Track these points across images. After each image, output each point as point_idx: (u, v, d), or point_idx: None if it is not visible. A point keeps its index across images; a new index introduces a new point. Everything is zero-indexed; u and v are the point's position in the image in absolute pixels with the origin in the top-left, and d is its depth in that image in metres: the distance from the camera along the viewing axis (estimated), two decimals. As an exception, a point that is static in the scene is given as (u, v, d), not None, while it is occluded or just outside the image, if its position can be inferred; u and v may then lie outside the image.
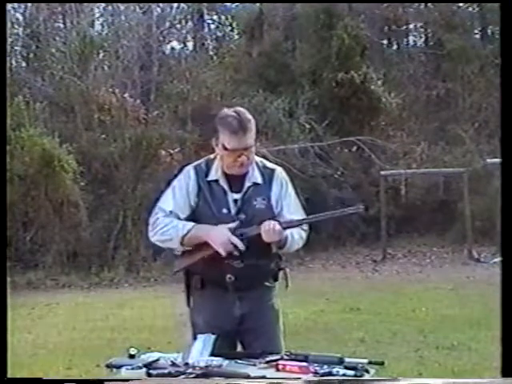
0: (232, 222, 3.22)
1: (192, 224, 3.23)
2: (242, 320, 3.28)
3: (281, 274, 3.38)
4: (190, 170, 3.34)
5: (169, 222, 3.24)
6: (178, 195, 3.30)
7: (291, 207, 3.33)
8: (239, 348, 3.35)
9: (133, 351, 3.07)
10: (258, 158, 3.40)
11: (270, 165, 3.42)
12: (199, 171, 3.32)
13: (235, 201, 3.27)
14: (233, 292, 3.24)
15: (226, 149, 3.22)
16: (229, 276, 3.23)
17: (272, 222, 3.16)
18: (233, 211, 3.25)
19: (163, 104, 14.93)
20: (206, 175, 3.30)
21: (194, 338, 3.13)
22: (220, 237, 3.17)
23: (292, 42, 17.39)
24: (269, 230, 3.14)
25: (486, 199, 14.22)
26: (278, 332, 3.37)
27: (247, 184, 3.29)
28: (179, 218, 3.26)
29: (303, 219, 3.30)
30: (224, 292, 3.25)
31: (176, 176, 3.39)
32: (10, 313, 3.77)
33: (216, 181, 3.29)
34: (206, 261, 3.24)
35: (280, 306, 3.41)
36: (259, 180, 3.32)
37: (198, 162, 3.38)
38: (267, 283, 3.33)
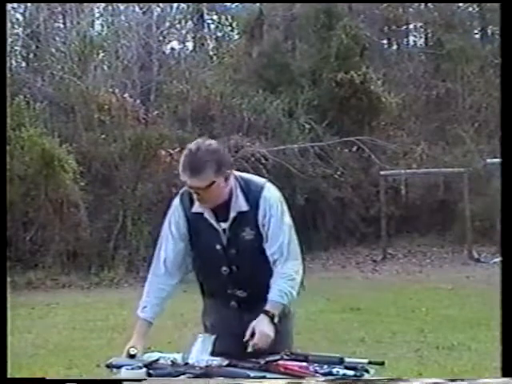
0: (225, 258, 3.15)
1: (138, 316, 3.27)
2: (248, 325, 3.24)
3: None
4: (177, 204, 3.23)
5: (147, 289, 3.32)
6: (170, 243, 3.23)
7: (269, 236, 3.11)
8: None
9: (133, 351, 3.07)
10: (244, 176, 3.20)
11: (256, 183, 3.17)
12: (184, 202, 3.20)
13: (224, 230, 3.14)
14: (239, 312, 3.20)
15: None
16: (232, 303, 3.23)
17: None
18: (225, 244, 3.15)
19: (163, 104, 14.92)
20: (191, 204, 3.17)
21: None
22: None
23: (292, 42, 17.38)
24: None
25: (486, 199, 14.22)
26: (287, 335, 3.29)
27: (232, 214, 3.11)
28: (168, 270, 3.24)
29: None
30: (230, 312, 3.24)
31: (169, 205, 3.30)
32: (10, 313, 3.77)
33: (201, 214, 3.15)
34: (208, 288, 3.30)
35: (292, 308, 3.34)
36: (244, 207, 3.11)
37: (183, 189, 3.19)
38: None
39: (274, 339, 3.04)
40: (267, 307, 3.04)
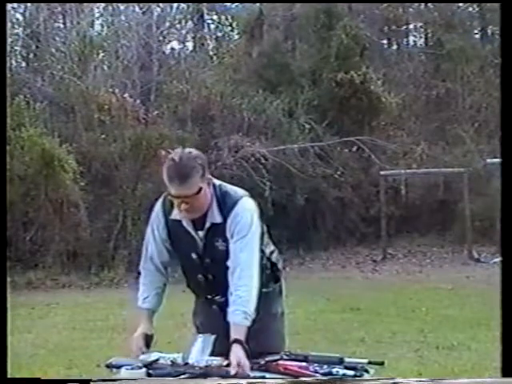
0: (201, 267, 3.18)
1: (141, 307, 3.38)
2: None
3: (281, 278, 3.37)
4: (158, 209, 3.25)
5: (143, 281, 3.43)
6: (153, 246, 3.29)
7: (230, 247, 3.10)
8: None
9: (150, 331, 3.20)
10: (223, 187, 3.18)
11: (232, 196, 3.14)
12: (166, 207, 3.22)
13: (201, 239, 3.16)
14: (221, 315, 3.16)
15: (169, 193, 3.10)
16: (214, 307, 3.26)
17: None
18: (201, 253, 3.17)
19: (163, 104, 14.91)
20: (170, 211, 3.18)
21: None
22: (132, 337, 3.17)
23: (292, 42, 17.37)
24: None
25: (486, 199, 14.21)
26: (276, 335, 3.32)
27: (207, 225, 3.13)
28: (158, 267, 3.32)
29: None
30: (214, 313, 3.26)
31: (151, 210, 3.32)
32: (10, 313, 3.77)
33: (179, 221, 3.16)
34: (192, 291, 3.35)
35: (280, 309, 3.37)
36: (218, 219, 3.11)
37: (166, 193, 3.17)
38: (263, 289, 3.18)
39: (261, 340, 3.08)
40: (236, 335, 2.95)
